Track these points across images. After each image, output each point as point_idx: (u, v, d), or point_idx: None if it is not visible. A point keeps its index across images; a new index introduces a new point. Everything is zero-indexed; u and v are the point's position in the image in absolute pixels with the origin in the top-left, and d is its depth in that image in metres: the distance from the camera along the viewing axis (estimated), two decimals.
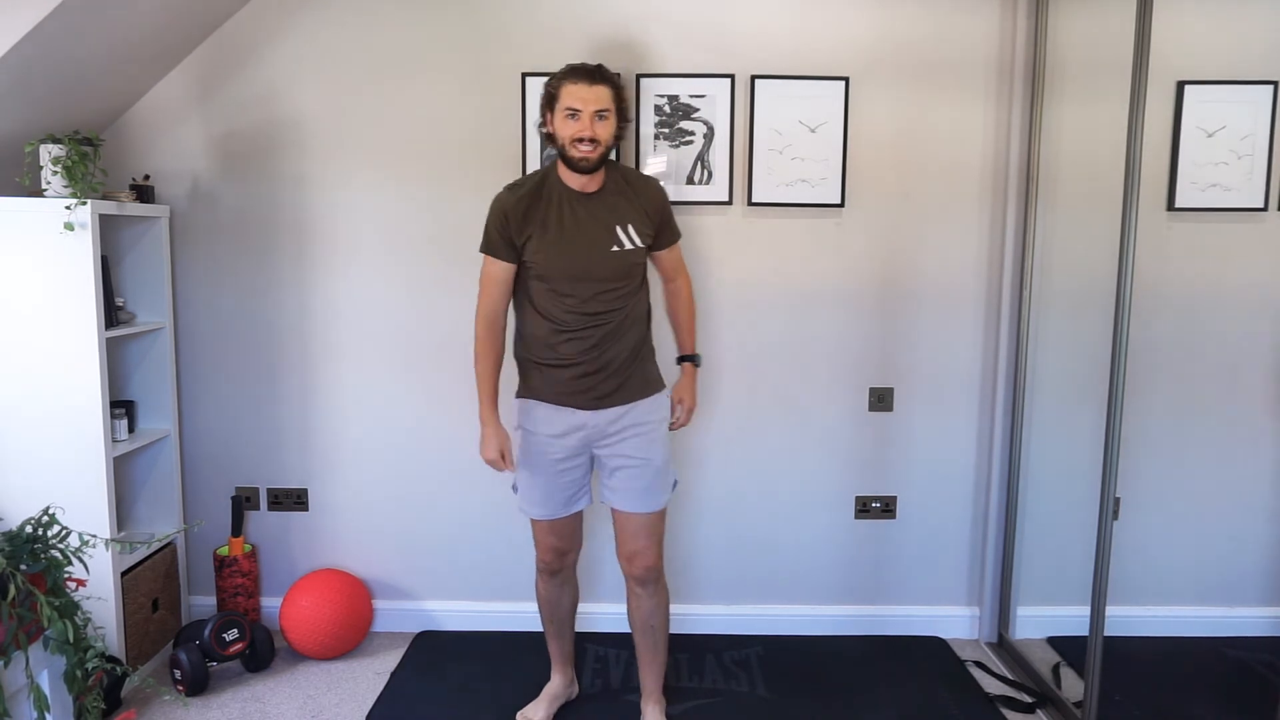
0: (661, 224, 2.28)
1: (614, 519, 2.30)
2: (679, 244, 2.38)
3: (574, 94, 2.08)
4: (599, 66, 2.13)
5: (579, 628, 2.87)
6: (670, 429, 2.33)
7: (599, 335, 2.17)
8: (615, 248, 2.17)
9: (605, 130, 2.10)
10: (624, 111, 2.18)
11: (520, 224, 2.15)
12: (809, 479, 2.94)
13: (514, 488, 2.35)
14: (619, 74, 2.22)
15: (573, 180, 2.17)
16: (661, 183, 2.39)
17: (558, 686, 2.50)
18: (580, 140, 2.08)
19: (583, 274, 2.15)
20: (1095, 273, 2.56)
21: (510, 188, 2.21)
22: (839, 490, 2.95)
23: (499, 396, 2.27)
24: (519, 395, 2.30)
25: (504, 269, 2.20)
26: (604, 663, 2.76)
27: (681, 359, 2.47)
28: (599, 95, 2.09)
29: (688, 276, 2.45)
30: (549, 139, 2.17)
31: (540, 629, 2.52)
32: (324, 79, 2.76)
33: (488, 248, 2.21)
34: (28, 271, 2.37)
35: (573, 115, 2.08)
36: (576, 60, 2.17)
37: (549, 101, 2.14)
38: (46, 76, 2.36)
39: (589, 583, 2.92)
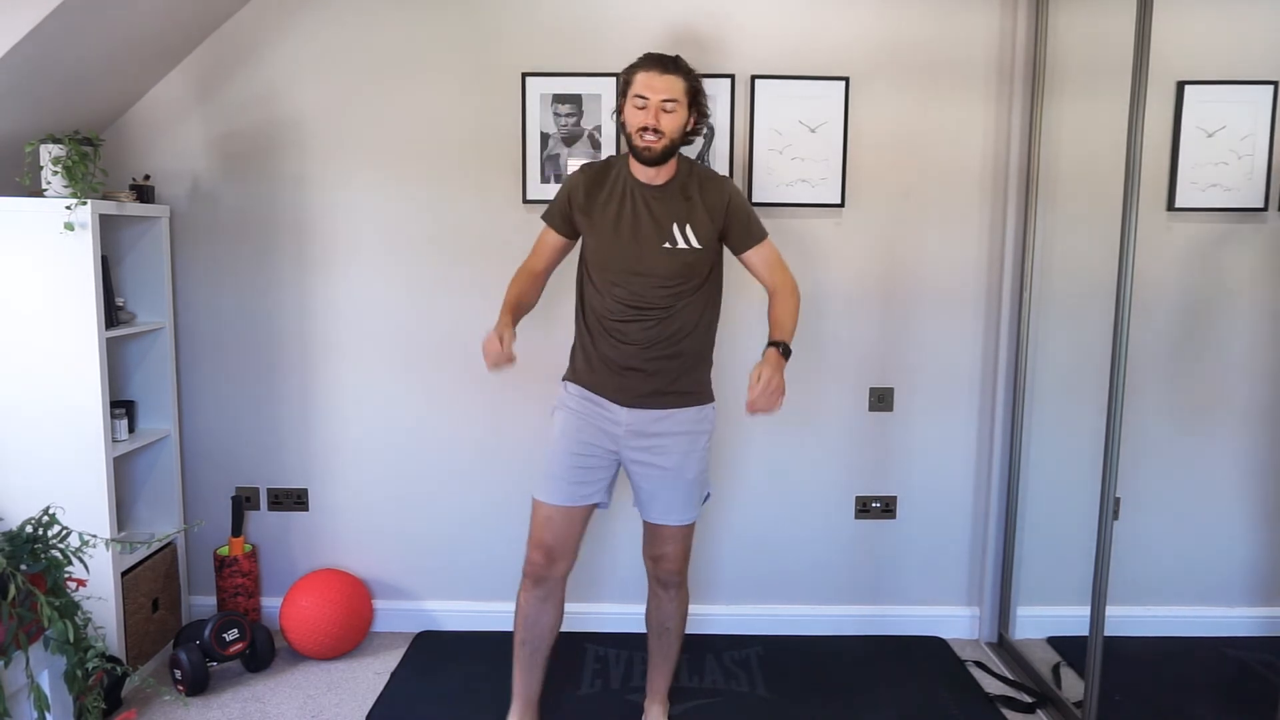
0: (730, 225, 2.15)
1: (644, 522, 2.27)
2: (768, 247, 2.20)
3: (644, 82, 2.04)
4: (676, 57, 2.08)
5: (579, 628, 2.88)
6: (746, 408, 2.08)
7: (641, 330, 2.13)
8: (667, 245, 2.11)
9: (671, 122, 2.04)
10: (700, 107, 2.12)
11: (582, 203, 2.16)
12: (809, 479, 2.94)
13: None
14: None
15: (640, 172, 2.12)
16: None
17: None
18: (645, 129, 2.03)
19: (629, 267, 2.12)
20: (1095, 273, 2.57)
21: (584, 166, 2.23)
22: (839, 490, 2.95)
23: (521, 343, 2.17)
24: (565, 379, 2.28)
25: (556, 239, 2.24)
26: (604, 663, 2.76)
27: (768, 345, 2.13)
28: (670, 85, 2.03)
29: (786, 282, 2.20)
30: (621, 129, 2.13)
31: None
32: (324, 79, 2.76)
33: (546, 215, 2.24)
34: (28, 271, 2.37)
35: (641, 104, 2.04)
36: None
37: (623, 90, 2.10)
38: (46, 76, 2.36)
39: (590, 583, 2.92)
